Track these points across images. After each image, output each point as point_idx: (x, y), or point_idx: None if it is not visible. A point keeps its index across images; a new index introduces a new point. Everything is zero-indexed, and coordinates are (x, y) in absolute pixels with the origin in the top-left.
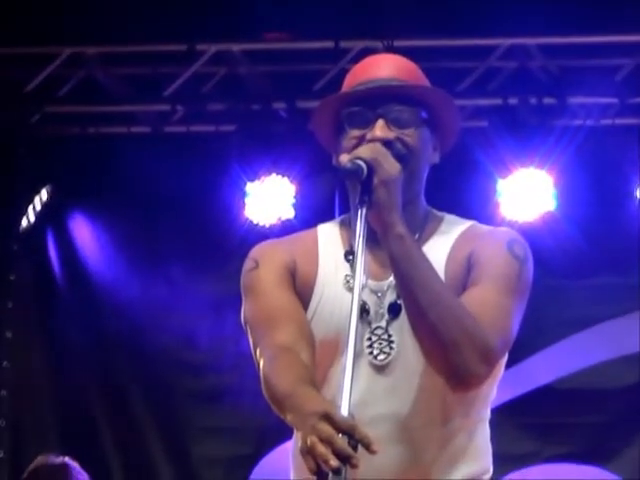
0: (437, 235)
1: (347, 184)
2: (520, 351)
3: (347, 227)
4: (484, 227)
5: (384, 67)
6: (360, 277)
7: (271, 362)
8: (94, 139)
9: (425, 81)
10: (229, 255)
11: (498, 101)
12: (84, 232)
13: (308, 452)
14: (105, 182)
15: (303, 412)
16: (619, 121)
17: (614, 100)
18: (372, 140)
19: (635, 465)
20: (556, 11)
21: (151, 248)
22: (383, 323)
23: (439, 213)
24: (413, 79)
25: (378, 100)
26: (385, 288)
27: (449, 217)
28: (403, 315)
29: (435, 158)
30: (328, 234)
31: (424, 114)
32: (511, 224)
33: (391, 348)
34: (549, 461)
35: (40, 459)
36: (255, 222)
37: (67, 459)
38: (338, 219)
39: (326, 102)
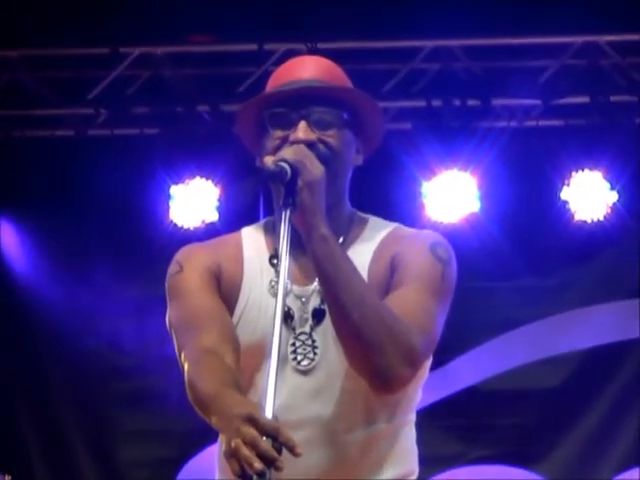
0: (361, 238)
1: (271, 186)
2: (444, 353)
3: (271, 230)
4: (408, 230)
5: (307, 68)
6: (284, 282)
7: (195, 365)
8: (18, 143)
9: (348, 83)
10: (154, 258)
11: (422, 103)
12: (9, 236)
13: (232, 455)
14: (29, 186)
15: (227, 415)
16: (543, 123)
17: (537, 102)
18: (295, 142)
19: (560, 466)
20: (480, 13)
21: (76, 251)
22: (307, 328)
23: (364, 215)
24: (336, 81)
25: (300, 101)
26: (309, 293)
27: (374, 220)
28: (327, 320)
29: (358, 160)
30: (252, 237)
31: (347, 116)
32: (436, 225)
33: (315, 353)
34: (475, 463)
35: None
36: (179, 225)
37: None
38: (262, 222)
39: (249, 103)
